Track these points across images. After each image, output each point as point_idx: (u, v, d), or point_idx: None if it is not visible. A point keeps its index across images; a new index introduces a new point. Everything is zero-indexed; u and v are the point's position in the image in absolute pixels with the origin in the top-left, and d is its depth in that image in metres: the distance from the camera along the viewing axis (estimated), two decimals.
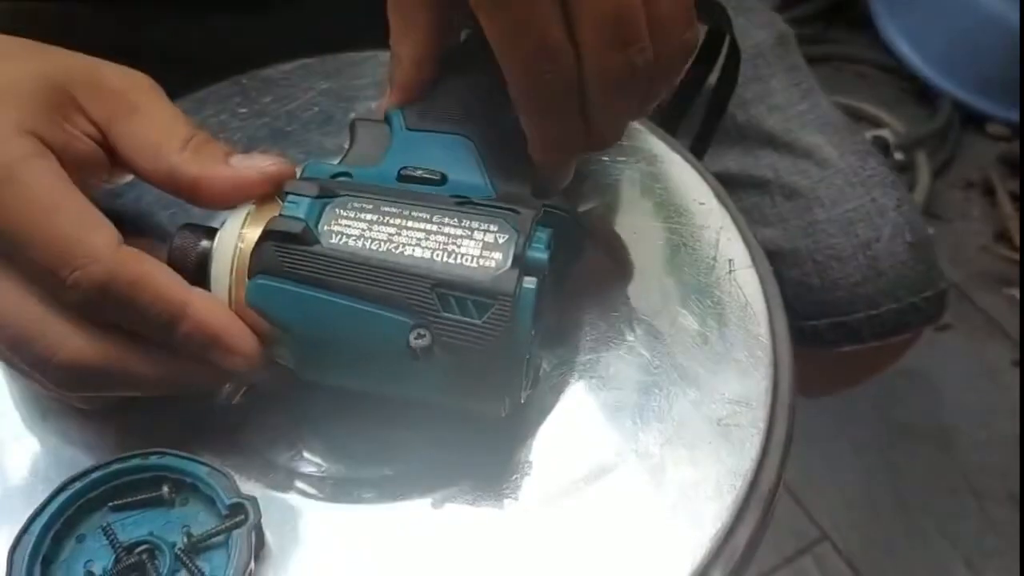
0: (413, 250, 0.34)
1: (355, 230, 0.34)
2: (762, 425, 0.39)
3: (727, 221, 0.46)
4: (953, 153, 1.60)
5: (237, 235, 0.36)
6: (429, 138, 0.39)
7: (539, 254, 0.34)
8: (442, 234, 0.34)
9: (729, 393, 0.40)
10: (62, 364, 0.33)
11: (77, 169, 0.35)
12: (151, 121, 0.37)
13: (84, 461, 0.37)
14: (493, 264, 0.33)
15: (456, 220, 0.34)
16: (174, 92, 0.50)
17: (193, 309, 0.34)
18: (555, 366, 0.41)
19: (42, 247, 0.32)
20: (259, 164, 0.36)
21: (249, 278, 0.35)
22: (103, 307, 0.33)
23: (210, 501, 0.35)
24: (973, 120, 1.62)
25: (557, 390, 0.40)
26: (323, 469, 0.38)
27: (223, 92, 0.50)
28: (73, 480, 0.34)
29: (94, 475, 0.34)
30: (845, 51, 1.73)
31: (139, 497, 0.35)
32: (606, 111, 0.35)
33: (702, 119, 0.57)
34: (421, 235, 0.34)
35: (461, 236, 0.34)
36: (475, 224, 0.34)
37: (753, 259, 0.44)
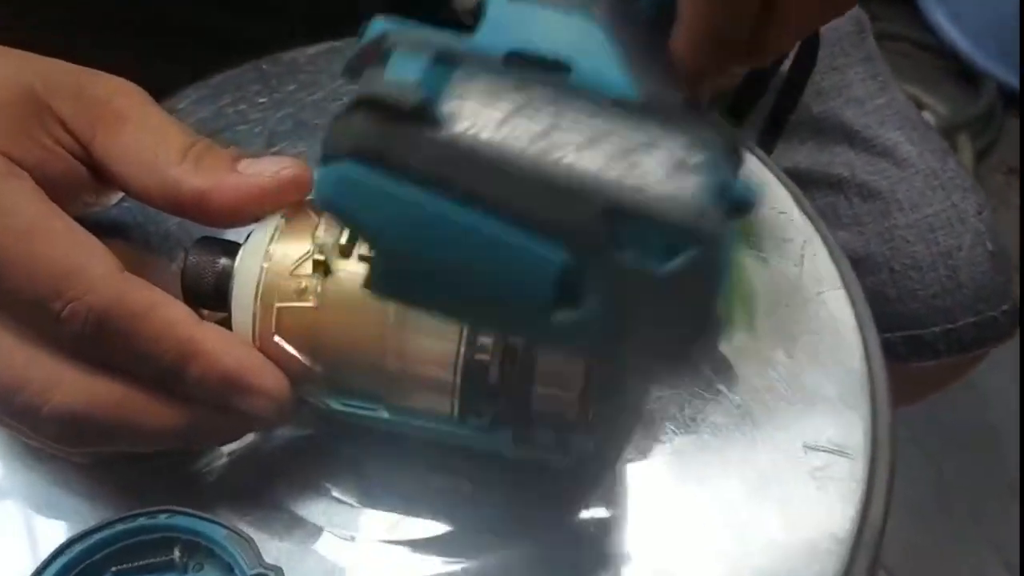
0: (573, 157, 0.23)
1: (491, 118, 0.23)
2: (861, 476, 0.34)
3: (811, 233, 0.40)
4: (995, 137, 1.54)
5: (263, 252, 0.31)
6: (543, 13, 0.27)
7: (749, 192, 0.24)
8: (613, 140, 0.23)
9: (822, 438, 0.35)
10: (54, 414, 0.28)
11: (56, 188, 0.30)
12: (142, 131, 0.31)
13: (86, 513, 0.32)
14: (688, 192, 0.23)
15: (631, 123, 0.23)
16: (190, 75, 0.46)
17: (206, 346, 0.29)
18: (621, 407, 0.36)
19: (27, 277, 0.27)
20: (272, 168, 0.31)
21: (323, 160, 0.24)
22: (101, 345, 0.28)
23: (228, 568, 0.30)
24: (1017, 102, 1.56)
25: (625, 435, 0.35)
26: (359, 529, 0.33)
27: (241, 78, 0.45)
28: (73, 542, 0.30)
29: (96, 536, 0.30)
30: (883, 28, 1.65)
31: (147, 561, 0.30)
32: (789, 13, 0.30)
33: (771, 109, 0.51)
34: (582, 138, 0.23)
35: (640, 147, 0.23)
36: (657, 133, 0.23)
37: (843, 279, 0.39)
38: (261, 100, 0.44)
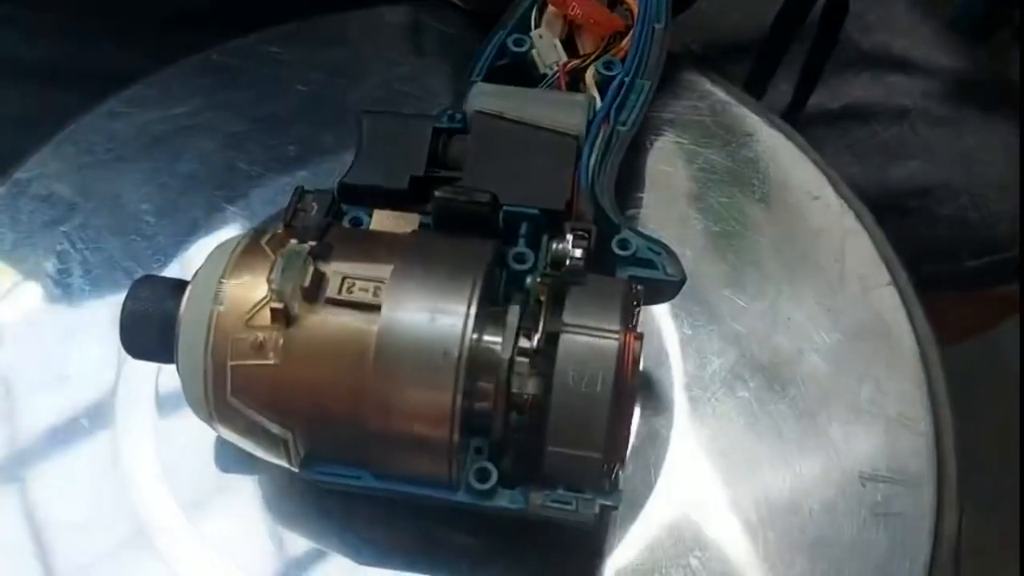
0: None
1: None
2: (928, 512, 0.29)
3: (851, 220, 0.35)
4: None
5: (213, 294, 0.26)
6: None
7: None
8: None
9: (880, 467, 0.30)
10: None
11: None
12: None
13: None
14: None
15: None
16: (137, 65, 0.41)
17: None
18: (643, 432, 0.31)
19: None
20: None
21: None
22: None
23: None
24: None
25: (648, 466, 0.30)
26: None
27: (192, 72, 0.39)
28: None
29: None
30: None
31: None
32: None
33: (809, 51, 0.48)
34: None
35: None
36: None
37: (891, 273, 0.34)
38: (216, 97, 0.39)
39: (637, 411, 0.31)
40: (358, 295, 0.25)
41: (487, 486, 0.25)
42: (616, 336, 0.24)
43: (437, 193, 0.28)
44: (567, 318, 0.25)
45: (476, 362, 0.24)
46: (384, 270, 0.25)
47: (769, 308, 0.33)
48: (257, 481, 0.31)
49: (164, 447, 0.31)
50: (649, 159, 0.37)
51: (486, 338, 0.25)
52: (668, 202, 0.36)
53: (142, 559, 0.29)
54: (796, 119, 0.50)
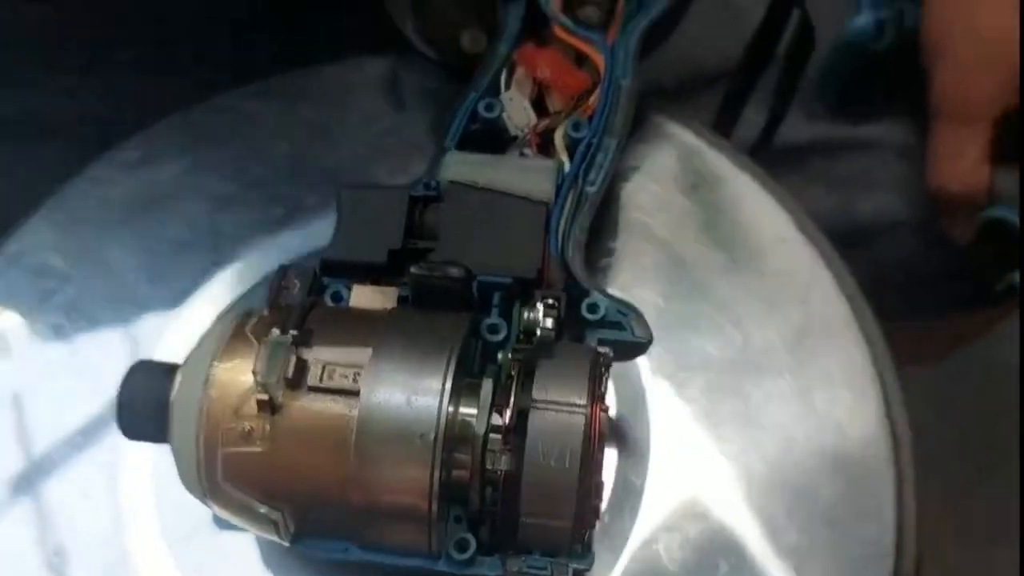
0: None
1: None
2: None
3: (817, 262, 0.36)
4: None
5: (204, 377, 0.27)
6: None
7: None
8: None
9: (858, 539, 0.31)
10: None
11: None
12: None
13: None
14: None
15: None
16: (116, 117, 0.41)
17: None
18: (619, 479, 0.32)
19: None
20: None
21: None
22: None
23: None
24: None
25: (623, 518, 0.32)
26: None
27: (175, 131, 0.41)
28: None
29: None
30: None
31: None
32: None
33: (776, 86, 0.49)
34: None
35: None
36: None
37: (858, 318, 0.35)
38: (198, 159, 0.40)
39: (614, 456, 0.33)
40: (338, 381, 0.26)
41: (467, 555, 0.26)
42: (583, 411, 0.26)
43: (412, 270, 0.29)
44: (536, 394, 0.26)
45: (452, 437, 0.26)
46: (363, 354, 0.26)
47: (737, 356, 0.34)
48: (252, 542, 0.32)
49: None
50: (621, 208, 0.38)
51: (462, 410, 0.26)
52: (640, 251, 0.37)
53: None
54: (765, 153, 0.51)
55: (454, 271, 0.29)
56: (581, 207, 0.33)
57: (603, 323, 0.30)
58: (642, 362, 0.34)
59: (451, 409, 0.26)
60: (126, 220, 0.38)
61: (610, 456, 0.33)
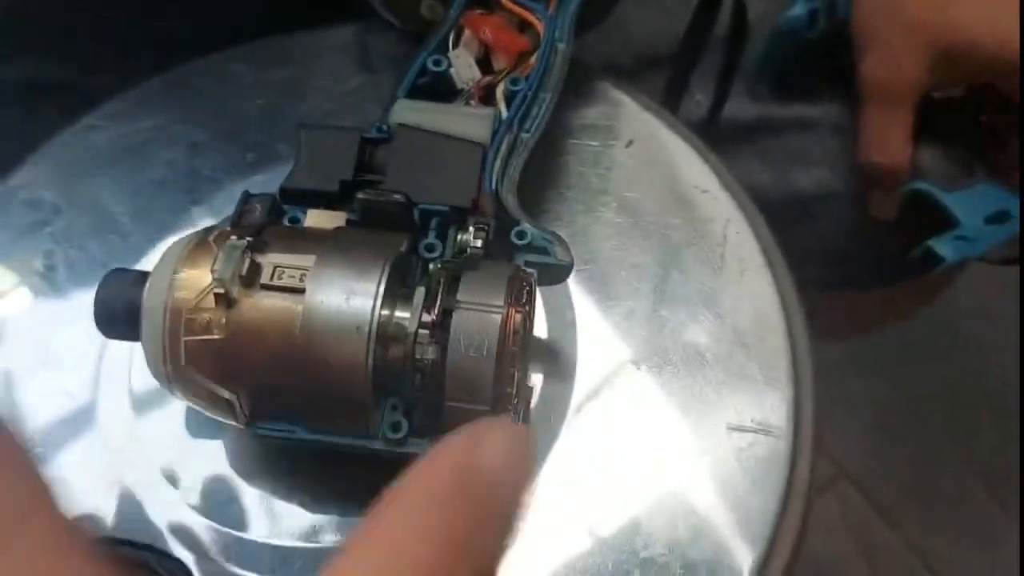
0: None
1: None
2: (785, 456, 0.34)
3: (734, 212, 0.40)
4: None
5: (168, 283, 0.31)
6: None
7: None
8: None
9: (746, 419, 0.35)
10: None
11: None
12: None
13: None
14: None
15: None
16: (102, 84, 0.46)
17: None
18: (546, 394, 0.36)
19: None
20: None
21: None
22: None
23: None
24: None
25: (550, 424, 0.35)
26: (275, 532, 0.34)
27: (159, 89, 0.45)
28: None
29: None
30: None
31: None
32: None
33: (720, 66, 0.52)
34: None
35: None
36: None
37: (767, 257, 0.39)
38: (178, 113, 0.44)
39: (541, 375, 0.36)
40: (287, 281, 0.30)
41: (399, 435, 0.30)
42: (499, 310, 0.30)
43: (359, 195, 0.33)
44: (460, 296, 0.30)
45: (386, 334, 0.30)
46: (310, 260, 0.30)
47: (659, 286, 0.38)
48: (220, 444, 0.36)
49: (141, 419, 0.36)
50: (564, 160, 0.42)
51: (397, 314, 0.30)
52: (578, 197, 0.41)
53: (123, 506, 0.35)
54: (711, 129, 0.55)
55: (396, 196, 0.33)
56: (516, 150, 0.36)
57: (530, 247, 0.34)
58: (573, 288, 0.38)
59: (386, 312, 0.30)
60: (112, 163, 0.42)
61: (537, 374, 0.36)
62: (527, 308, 0.31)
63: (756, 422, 0.35)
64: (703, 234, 0.39)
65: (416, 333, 0.30)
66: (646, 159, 0.42)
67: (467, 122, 0.36)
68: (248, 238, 0.30)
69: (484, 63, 0.40)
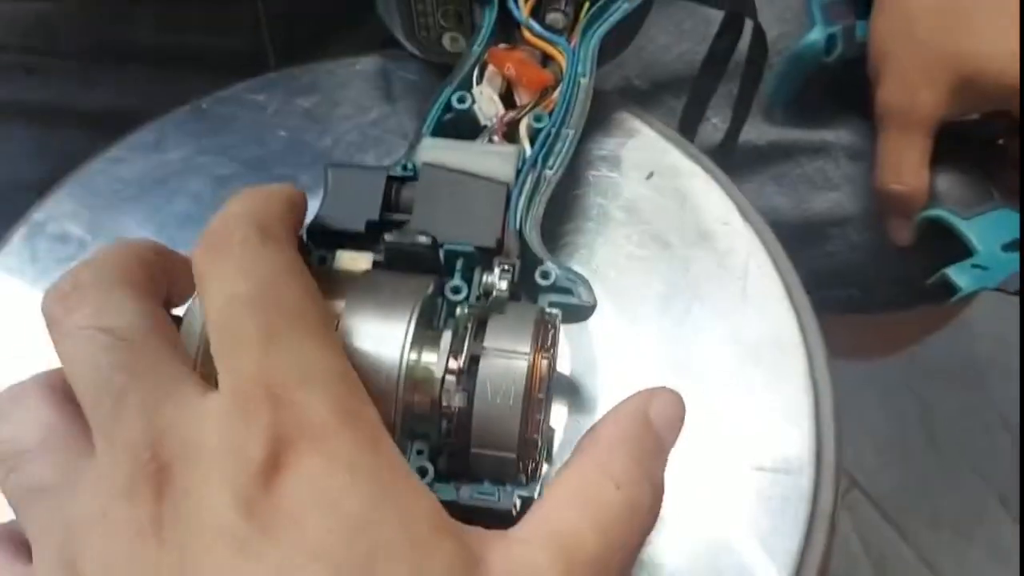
0: None
1: None
2: (806, 494, 0.35)
3: (756, 245, 0.41)
4: None
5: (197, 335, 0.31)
6: None
7: None
8: None
9: (768, 458, 0.35)
10: None
11: None
12: None
13: None
14: None
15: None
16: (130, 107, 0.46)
17: None
18: (569, 430, 0.36)
19: None
20: None
21: None
22: None
23: None
24: None
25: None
26: None
27: (184, 120, 0.45)
28: None
29: None
30: None
31: None
32: None
33: (737, 91, 0.53)
34: None
35: None
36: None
37: (788, 291, 0.39)
38: (205, 142, 0.44)
39: (565, 411, 0.37)
40: None
41: (425, 481, 0.30)
42: (526, 357, 0.30)
43: (386, 238, 0.33)
44: (487, 342, 0.30)
45: (414, 381, 0.30)
46: (338, 306, 0.31)
47: (681, 319, 0.39)
48: None
49: None
50: (583, 192, 0.42)
51: (424, 358, 0.30)
52: (599, 230, 0.41)
53: None
54: (726, 154, 0.55)
55: (423, 239, 0.33)
56: (540, 188, 0.37)
57: (554, 288, 0.34)
58: (594, 321, 0.38)
59: (414, 356, 0.30)
60: (138, 196, 0.42)
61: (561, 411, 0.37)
62: (552, 351, 0.32)
63: (777, 460, 0.35)
64: (725, 267, 0.40)
65: (443, 380, 0.30)
66: (667, 191, 0.42)
67: (491, 160, 0.36)
68: None
69: (507, 97, 0.40)
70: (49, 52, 0.54)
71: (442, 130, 0.38)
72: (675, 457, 0.35)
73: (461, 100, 0.39)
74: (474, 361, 0.30)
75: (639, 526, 0.25)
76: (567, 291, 0.34)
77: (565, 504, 0.25)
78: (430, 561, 0.22)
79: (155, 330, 0.24)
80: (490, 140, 0.38)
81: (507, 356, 0.30)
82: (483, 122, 0.39)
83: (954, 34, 0.50)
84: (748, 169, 0.56)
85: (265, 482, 0.21)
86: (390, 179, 0.36)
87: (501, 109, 0.39)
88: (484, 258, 0.34)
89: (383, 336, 0.30)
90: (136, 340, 0.24)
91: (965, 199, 0.54)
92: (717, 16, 0.54)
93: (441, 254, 0.34)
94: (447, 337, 0.30)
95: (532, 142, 0.38)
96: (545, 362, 0.30)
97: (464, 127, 0.39)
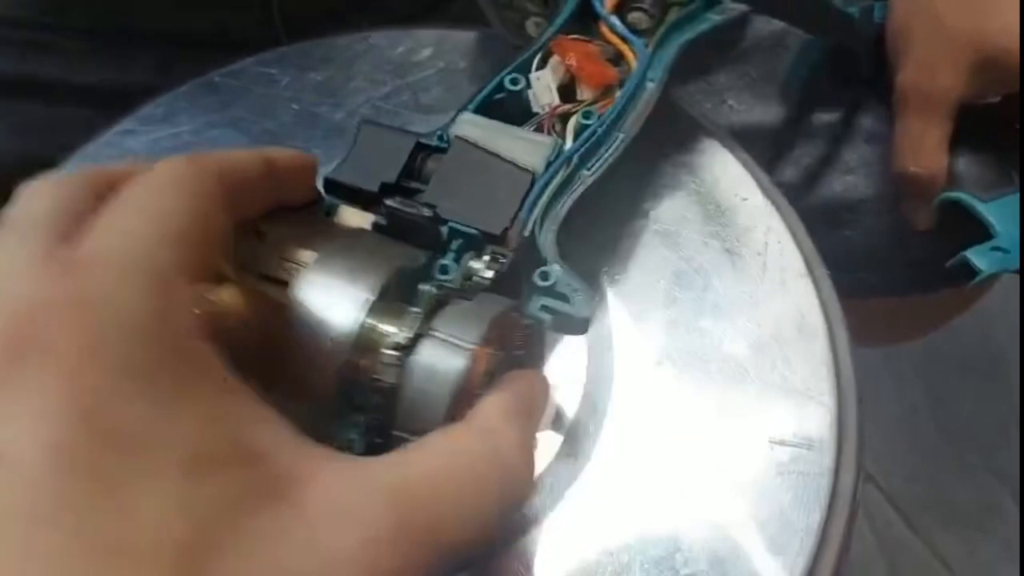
0: None
1: None
2: (828, 471, 0.34)
3: (775, 220, 0.40)
4: None
5: None
6: None
7: None
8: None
9: (789, 433, 0.35)
10: None
11: None
12: None
13: None
14: None
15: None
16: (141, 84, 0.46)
17: None
18: (584, 406, 0.36)
19: None
20: None
21: None
22: None
23: None
24: None
25: (588, 435, 0.35)
26: None
27: (196, 93, 0.45)
28: None
29: None
30: None
31: None
32: None
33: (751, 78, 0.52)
34: None
35: None
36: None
37: (808, 266, 0.39)
38: (215, 116, 0.44)
39: (581, 387, 0.36)
40: (281, 273, 0.29)
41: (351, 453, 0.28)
42: (469, 347, 0.27)
43: (387, 201, 0.32)
44: (436, 324, 0.28)
45: (360, 348, 0.27)
46: (311, 256, 0.29)
47: (700, 295, 0.38)
48: None
49: None
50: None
51: (380, 327, 0.28)
52: (615, 206, 0.40)
53: None
54: (743, 135, 0.54)
55: (424, 210, 0.32)
56: (570, 187, 0.35)
57: (550, 292, 0.32)
58: (611, 298, 0.37)
59: (369, 323, 0.28)
60: None
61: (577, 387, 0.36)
62: (511, 352, 0.30)
63: (798, 436, 0.35)
64: (744, 243, 0.39)
65: (382, 352, 0.28)
66: (686, 166, 0.42)
67: (522, 147, 0.35)
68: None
69: (569, 90, 0.38)
70: (60, 28, 0.53)
71: (489, 110, 0.37)
72: (695, 430, 0.35)
73: (514, 82, 0.37)
74: (418, 339, 0.28)
75: (499, 482, 0.26)
76: (563, 297, 0.32)
77: (425, 455, 0.25)
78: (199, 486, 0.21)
79: None
80: (535, 129, 0.37)
81: (449, 344, 0.28)
82: (535, 109, 0.37)
83: (975, 13, 0.49)
84: (765, 151, 0.56)
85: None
86: (418, 146, 0.35)
87: (556, 100, 0.37)
88: (485, 245, 0.32)
89: (340, 293, 0.28)
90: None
91: (984, 181, 0.53)
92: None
93: (446, 232, 0.33)
94: (411, 312, 0.28)
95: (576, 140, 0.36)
96: (490, 358, 0.29)
97: (514, 111, 0.37)
